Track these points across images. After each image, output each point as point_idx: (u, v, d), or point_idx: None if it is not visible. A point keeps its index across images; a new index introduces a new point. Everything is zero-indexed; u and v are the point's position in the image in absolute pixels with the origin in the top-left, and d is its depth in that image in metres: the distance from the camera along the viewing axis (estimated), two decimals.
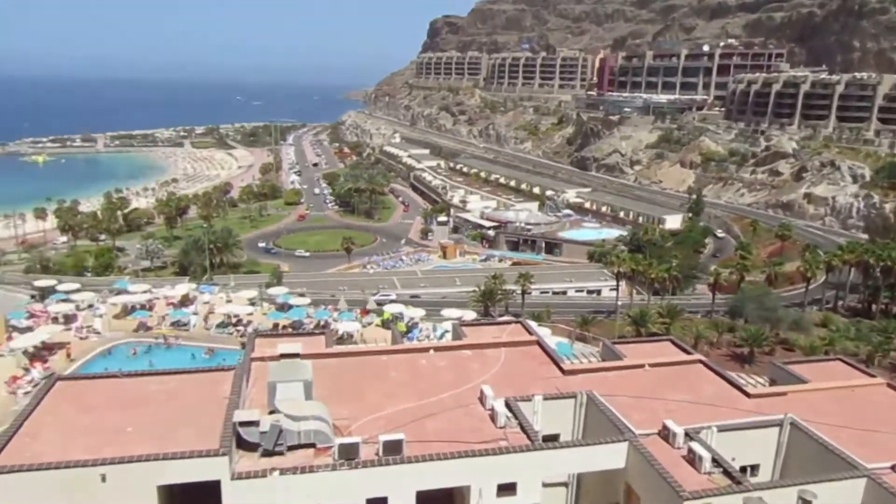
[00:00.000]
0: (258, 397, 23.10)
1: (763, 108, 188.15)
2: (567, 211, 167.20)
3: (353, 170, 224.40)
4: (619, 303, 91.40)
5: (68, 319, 63.95)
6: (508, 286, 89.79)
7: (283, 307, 70.75)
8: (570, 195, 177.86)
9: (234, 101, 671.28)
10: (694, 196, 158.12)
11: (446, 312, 70.99)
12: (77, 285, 77.65)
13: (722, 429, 22.93)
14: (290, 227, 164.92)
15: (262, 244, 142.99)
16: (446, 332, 58.81)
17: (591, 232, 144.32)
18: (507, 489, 20.65)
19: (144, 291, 71.45)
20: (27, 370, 52.55)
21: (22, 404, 35.88)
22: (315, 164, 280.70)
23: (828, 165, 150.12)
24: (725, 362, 66.85)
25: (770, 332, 78.17)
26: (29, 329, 60.26)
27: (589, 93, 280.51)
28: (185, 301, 70.33)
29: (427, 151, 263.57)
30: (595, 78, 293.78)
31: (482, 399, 23.81)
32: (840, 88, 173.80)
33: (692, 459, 21.18)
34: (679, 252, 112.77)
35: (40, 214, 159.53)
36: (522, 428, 22.10)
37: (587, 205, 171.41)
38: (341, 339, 59.28)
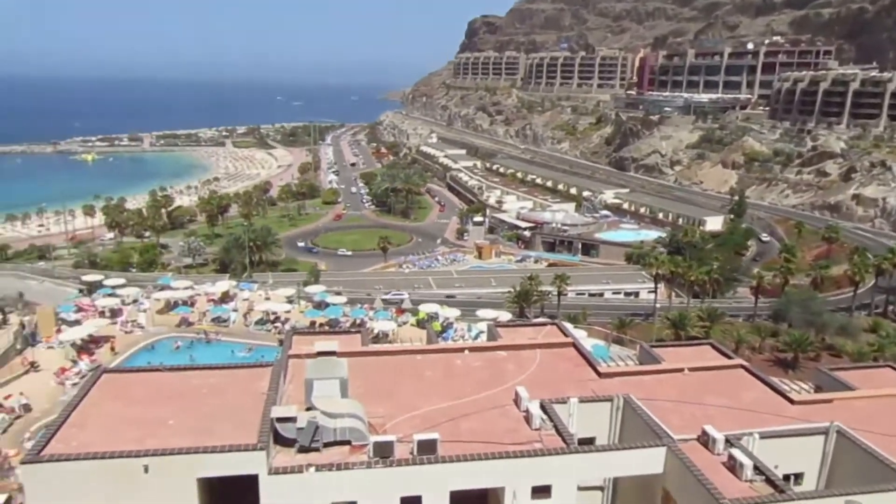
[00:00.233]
0: (295, 394, 23.42)
1: (810, 106, 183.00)
2: (605, 212, 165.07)
3: (389, 170, 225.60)
4: (658, 305, 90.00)
5: (114, 314, 65.80)
6: (544, 287, 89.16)
7: (321, 305, 71.61)
8: (608, 196, 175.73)
9: (274, 101, 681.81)
10: (736, 197, 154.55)
11: (481, 313, 70.81)
12: (123, 280, 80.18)
13: (764, 436, 22.35)
14: (327, 226, 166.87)
15: (301, 243, 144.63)
16: (481, 332, 58.65)
17: (629, 233, 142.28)
18: (541, 491, 20.51)
19: (186, 288, 72.73)
20: (75, 362, 54.27)
21: (70, 395, 37.28)
22: (353, 164, 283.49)
23: (878, 165, 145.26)
24: (768, 368, 65.24)
25: (815, 338, 76.18)
26: (77, 322, 62.07)
27: (628, 92, 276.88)
28: (226, 298, 71.55)
29: (464, 152, 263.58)
30: (635, 77, 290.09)
31: (517, 400, 23.68)
32: (892, 86, 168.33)
33: (733, 466, 20.73)
34: (720, 254, 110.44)
35: (89, 211, 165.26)
36: (557, 430, 21.92)
37: (625, 206, 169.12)
38: (377, 338, 59.72)
